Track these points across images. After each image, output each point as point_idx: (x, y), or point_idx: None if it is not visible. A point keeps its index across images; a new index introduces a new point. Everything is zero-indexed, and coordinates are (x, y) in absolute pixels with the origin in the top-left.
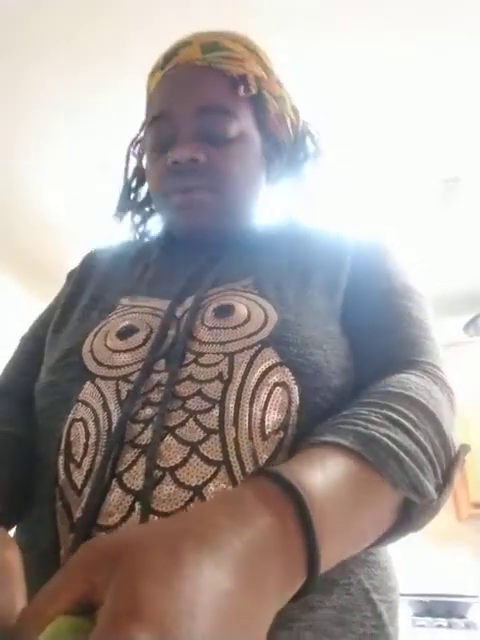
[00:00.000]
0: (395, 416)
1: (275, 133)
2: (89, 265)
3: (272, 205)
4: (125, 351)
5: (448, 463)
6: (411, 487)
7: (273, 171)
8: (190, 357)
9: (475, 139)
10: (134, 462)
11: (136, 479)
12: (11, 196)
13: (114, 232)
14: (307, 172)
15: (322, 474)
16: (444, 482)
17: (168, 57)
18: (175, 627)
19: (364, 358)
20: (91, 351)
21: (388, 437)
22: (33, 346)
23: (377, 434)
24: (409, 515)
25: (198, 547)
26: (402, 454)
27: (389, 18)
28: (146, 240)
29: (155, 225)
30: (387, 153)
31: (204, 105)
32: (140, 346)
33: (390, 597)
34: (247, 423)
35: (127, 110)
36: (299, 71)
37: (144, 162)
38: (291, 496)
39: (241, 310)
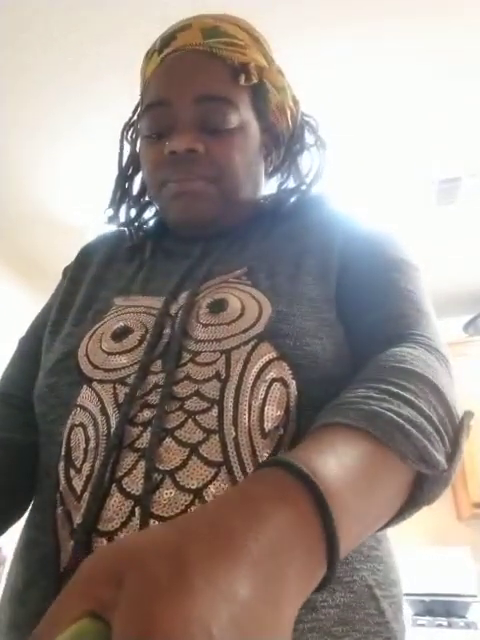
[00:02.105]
0: (394, 389)
1: (275, 124)
2: (84, 260)
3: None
4: (120, 353)
5: (454, 431)
6: (420, 459)
7: (271, 162)
8: (186, 356)
9: (475, 139)
10: (133, 466)
11: (135, 483)
12: (9, 193)
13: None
14: (305, 164)
15: (334, 458)
16: (453, 450)
17: (166, 40)
18: None
19: (357, 337)
20: (86, 355)
21: (390, 411)
22: (33, 346)
23: (378, 408)
24: (421, 488)
25: (209, 555)
26: (408, 426)
27: (388, 13)
28: (141, 234)
29: (150, 217)
30: (386, 152)
31: (204, 94)
32: (136, 347)
33: (392, 591)
34: (246, 422)
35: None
36: (298, 68)
37: (138, 148)
38: (307, 487)
39: (235, 304)
